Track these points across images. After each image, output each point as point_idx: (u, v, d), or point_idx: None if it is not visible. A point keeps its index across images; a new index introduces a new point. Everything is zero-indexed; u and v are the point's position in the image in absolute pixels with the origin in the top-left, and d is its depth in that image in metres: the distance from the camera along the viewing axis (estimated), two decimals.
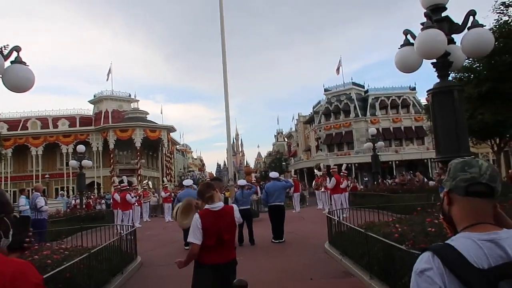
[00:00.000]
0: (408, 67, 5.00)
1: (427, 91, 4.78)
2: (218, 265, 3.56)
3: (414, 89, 44.43)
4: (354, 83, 45.41)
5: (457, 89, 4.71)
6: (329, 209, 13.77)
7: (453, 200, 1.30)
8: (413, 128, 42.52)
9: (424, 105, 33.20)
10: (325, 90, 46.62)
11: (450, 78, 5.05)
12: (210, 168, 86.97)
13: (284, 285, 6.17)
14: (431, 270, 1.18)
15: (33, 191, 10.69)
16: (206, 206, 3.72)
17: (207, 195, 3.73)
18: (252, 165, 76.51)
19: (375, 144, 19.27)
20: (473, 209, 1.26)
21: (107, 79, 43.45)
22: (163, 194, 20.09)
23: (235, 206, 3.92)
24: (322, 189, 18.59)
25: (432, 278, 1.16)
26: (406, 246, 4.72)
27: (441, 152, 4.64)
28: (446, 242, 1.25)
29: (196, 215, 3.67)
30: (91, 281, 5.70)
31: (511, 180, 17.36)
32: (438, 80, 4.80)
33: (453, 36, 4.89)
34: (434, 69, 4.75)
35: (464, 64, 7.96)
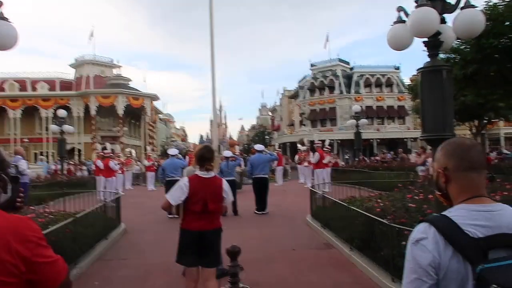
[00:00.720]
0: (399, 44, 5.02)
1: (417, 70, 4.83)
2: (202, 231, 3.62)
3: (398, 68, 44.82)
4: (340, 60, 45.42)
5: (446, 68, 4.77)
6: (311, 183, 14.03)
7: (450, 177, 1.36)
8: (396, 107, 43.12)
9: (408, 85, 33.55)
10: (311, 65, 46.49)
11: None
12: (193, 139, 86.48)
13: (267, 254, 6.35)
14: (426, 239, 1.24)
15: (14, 154, 10.46)
16: (197, 172, 3.76)
17: (208, 163, 3.75)
18: (235, 138, 76.36)
19: (358, 122, 19.51)
20: (469, 184, 1.33)
21: (89, 42, 42.12)
22: (146, 162, 20.02)
23: (224, 181, 3.92)
24: (305, 164, 18.85)
25: (426, 246, 1.22)
26: (388, 220, 4.89)
27: (426, 130, 4.75)
28: (442, 213, 1.32)
29: (185, 179, 3.73)
30: (76, 245, 5.74)
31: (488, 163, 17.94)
32: (422, 61, 4.86)
33: (444, 15, 4.91)
34: (425, 48, 4.79)
35: (452, 45, 8.03)
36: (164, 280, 5.18)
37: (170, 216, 9.92)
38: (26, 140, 36.36)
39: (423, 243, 1.23)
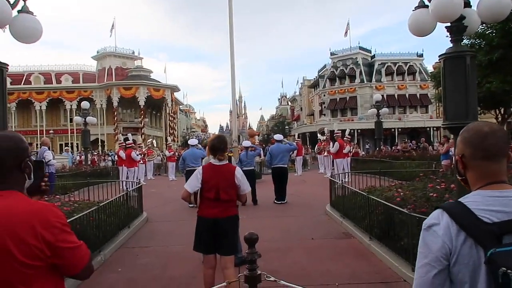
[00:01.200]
0: (421, 30, 4.89)
1: (438, 56, 4.71)
2: (217, 219, 3.69)
3: (421, 56, 43.60)
4: (361, 48, 44.51)
5: (469, 54, 4.63)
6: (331, 173, 13.95)
7: (467, 164, 1.34)
8: (418, 95, 42.11)
9: (431, 72, 32.68)
10: (331, 54, 45.77)
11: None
12: (213, 129, 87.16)
13: (286, 243, 6.38)
14: (437, 225, 1.25)
15: (41, 145, 10.79)
16: (211, 161, 3.83)
17: (219, 154, 3.79)
18: (254, 128, 76.54)
19: (379, 111, 19.19)
20: (485, 172, 1.31)
21: (110, 35, 42.68)
22: (167, 153, 20.28)
23: (238, 169, 3.93)
24: (325, 154, 18.75)
25: (437, 232, 1.24)
26: (408, 209, 4.83)
27: (448, 118, 4.64)
28: (458, 199, 1.31)
29: (200, 167, 3.82)
30: (100, 233, 5.92)
31: None
32: (447, 47, 4.72)
33: None
34: (448, 33, 4.65)
35: (477, 30, 7.74)
36: (184, 267, 5.28)
37: (190, 205, 10.06)
38: (52, 131, 37.35)
39: (434, 229, 1.25)
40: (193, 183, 3.73)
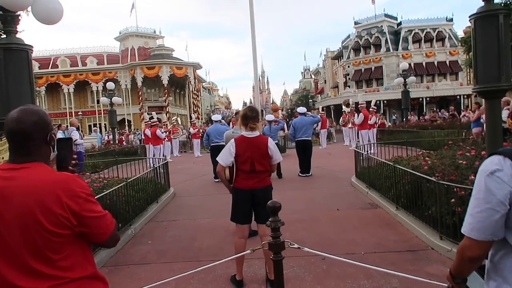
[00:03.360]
0: None
1: (469, 16, 4.45)
2: (254, 190, 3.75)
3: (451, 20, 41.54)
4: (386, 15, 42.82)
5: (503, 13, 4.36)
6: (356, 144, 13.75)
7: None
8: (447, 62, 40.45)
9: (461, 37, 31.16)
10: (355, 23, 44.31)
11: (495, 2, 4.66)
12: (236, 106, 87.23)
13: (312, 213, 6.40)
14: (501, 171, 1.25)
15: (69, 126, 11.12)
16: (243, 133, 3.83)
17: (251, 122, 3.79)
18: (278, 103, 76.06)
19: (406, 80, 18.61)
20: None
21: (130, 15, 42.85)
22: (191, 130, 20.50)
23: (270, 139, 3.93)
24: (350, 125, 18.47)
25: (501, 178, 1.25)
26: (436, 178, 4.72)
27: (480, 82, 4.43)
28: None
29: (232, 140, 3.82)
30: (130, 208, 6.10)
31: None
32: (478, 8, 4.45)
33: None
34: None
35: None
36: (211, 239, 5.40)
37: (216, 180, 10.23)
38: (80, 113, 38.38)
39: (498, 174, 1.26)
40: (226, 157, 3.76)
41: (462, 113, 19.56)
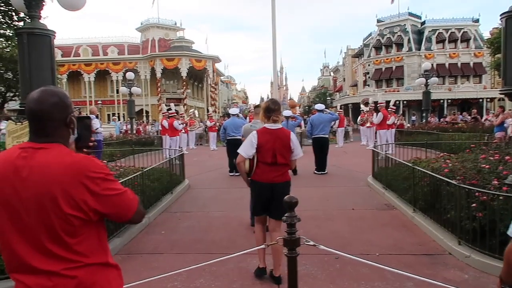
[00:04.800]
0: None
1: (500, 14, 4.28)
2: (274, 184, 3.70)
3: (477, 21, 40.45)
4: (410, 14, 41.97)
5: None
6: (374, 144, 13.55)
7: None
8: (471, 64, 39.47)
9: (487, 39, 30.32)
10: (378, 21, 43.61)
11: None
12: (253, 101, 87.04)
13: (326, 212, 6.33)
14: None
15: (89, 113, 11.27)
16: (265, 125, 3.79)
17: (274, 114, 3.75)
18: (296, 100, 75.68)
19: (428, 80, 18.22)
20: None
21: (152, 6, 43.16)
22: (208, 123, 20.55)
23: (292, 133, 3.89)
24: (368, 125, 18.22)
25: None
26: (457, 181, 4.58)
27: (508, 83, 4.27)
28: None
29: (254, 132, 3.78)
30: (145, 197, 6.14)
31: None
32: (510, 6, 4.27)
33: None
34: None
35: None
36: (224, 232, 5.39)
37: (231, 174, 10.23)
38: (100, 102, 38.89)
39: None
40: (248, 148, 3.71)
41: (485, 117, 19.05)
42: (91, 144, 1.67)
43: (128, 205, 1.54)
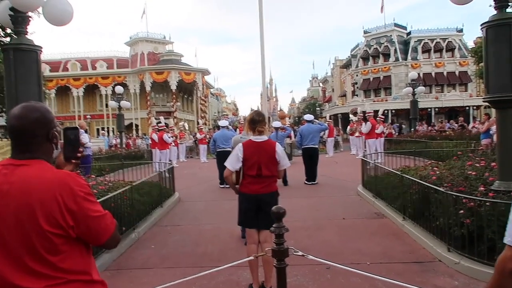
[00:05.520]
0: None
1: (481, 24, 4.39)
2: (260, 195, 3.69)
3: (461, 31, 41.37)
4: (396, 24, 42.74)
5: None
6: (363, 153, 13.66)
7: None
8: (457, 73, 40.21)
9: (471, 48, 30.96)
10: (365, 32, 44.29)
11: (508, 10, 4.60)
12: (244, 113, 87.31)
13: (317, 222, 6.33)
14: None
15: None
16: (251, 137, 3.80)
17: (259, 126, 3.76)
18: (285, 111, 76.07)
19: (415, 89, 18.50)
20: None
21: (141, 20, 43.31)
22: (198, 135, 20.52)
23: (278, 144, 3.90)
24: (357, 134, 18.38)
25: None
26: (444, 188, 4.63)
27: (491, 91, 4.36)
28: None
29: (240, 145, 3.79)
30: (134, 211, 6.08)
31: None
32: (490, 16, 4.39)
33: None
34: (492, 0, 4.33)
35: None
36: (215, 245, 5.35)
37: (221, 186, 10.19)
38: (89, 116, 38.64)
39: None
40: (234, 162, 3.72)
41: (471, 124, 19.36)
42: (79, 155, 1.65)
43: (104, 229, 1.49)
